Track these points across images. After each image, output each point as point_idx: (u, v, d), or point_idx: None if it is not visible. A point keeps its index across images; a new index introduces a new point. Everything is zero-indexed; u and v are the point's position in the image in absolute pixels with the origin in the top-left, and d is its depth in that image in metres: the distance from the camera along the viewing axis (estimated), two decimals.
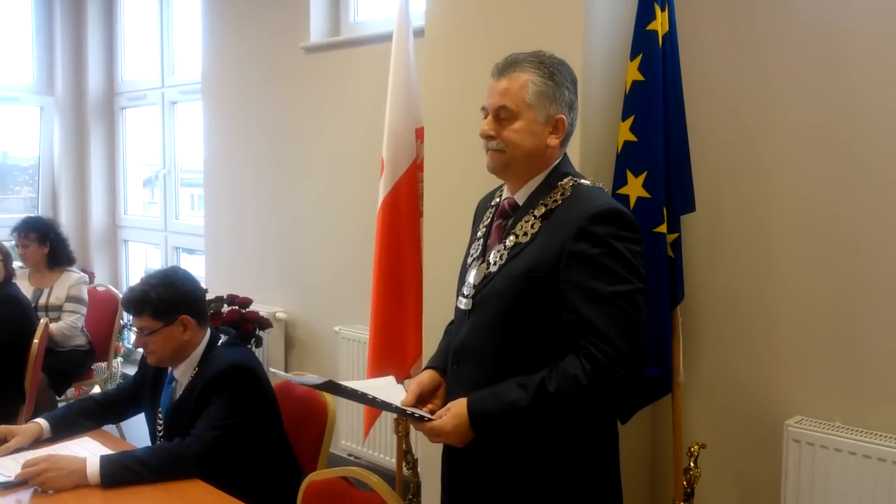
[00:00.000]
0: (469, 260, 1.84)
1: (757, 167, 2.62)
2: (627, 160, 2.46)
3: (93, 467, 2.01)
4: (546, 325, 1.66)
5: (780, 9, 2.55)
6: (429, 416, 1.69)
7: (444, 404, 1.74)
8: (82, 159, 6.09)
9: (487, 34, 2.70)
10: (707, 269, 2.73)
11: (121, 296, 4.65)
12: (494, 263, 1.73)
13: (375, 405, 1.73)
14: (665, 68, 2.44)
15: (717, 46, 2.68)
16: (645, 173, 2.42)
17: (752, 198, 2.64)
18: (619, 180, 2.48)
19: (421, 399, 1.79)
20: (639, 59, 2.44)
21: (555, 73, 1.72)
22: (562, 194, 1.71)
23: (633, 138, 2.44)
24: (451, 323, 1.98)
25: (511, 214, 1.77)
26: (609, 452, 1.80)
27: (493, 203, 1.89)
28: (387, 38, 3.18)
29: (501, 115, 1.70)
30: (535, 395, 1.59)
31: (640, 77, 2.43)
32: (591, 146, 2.55)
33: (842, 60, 2.44)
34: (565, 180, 1.73)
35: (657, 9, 2.42)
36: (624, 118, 2.47)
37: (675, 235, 2.48)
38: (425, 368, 1.89)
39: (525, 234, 1.70)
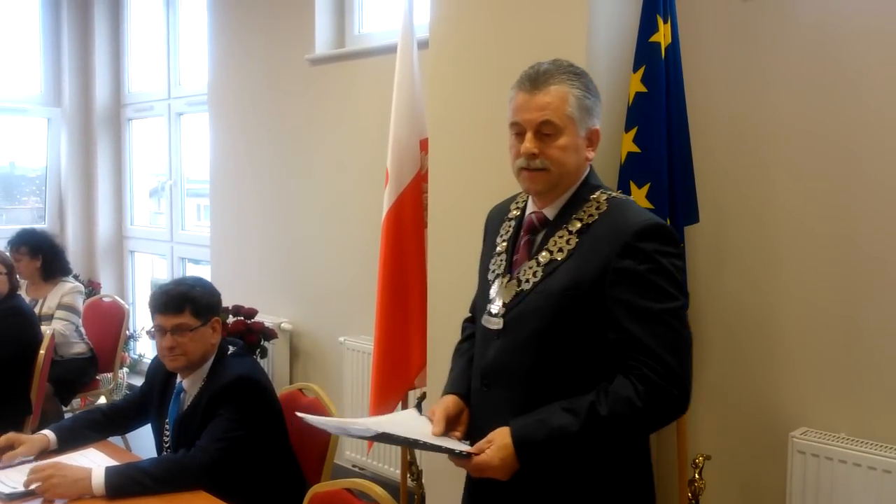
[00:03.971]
0: (490, 276, 1.75)
1: (760, 177, 2.62)
2: (631, 171, 2.47)
3: (98, 478, 2.02)
4: (582, 344, 1.60)
5: (782, 20, 2.56)
6: (473, 451, 1.57)
7: (470, 430, 1.69)
8: (89, 170, 6.12)
9: (491, 46, 2.71)
10: (711, 279, 2.73)
11: (126, 307, 4.68)
12: (527, 281, 1.65)
13: (426, 448, 1.66)
14: (668, 79, 2.45)
15: (719, 58, 2.69)
16: (648, 184, 2.43)
17: (755, 208, 2.64)
18: (623, 191, 2.48)
19: (448, 427, 1.70)
20: (641, 70, 2.45)
21: (588, 84, 1.67)
22: (597, 208, 1.65)
23: (636, 149, 2.45)
24: (463, 342, 1.91)
25: (540, 229, 1.70)
26: (643, 469, 1.71)
27: (510, 216, 1.81)
28: (391, 49, 3.20)
29: (544, 131, 1.62)
30: (586, 420, 1.52)
31: (642, 88, 2.44)
32: (595, 157, 2.55)
33: (844, 70, 2.44)
34: (597, 193, 1.68)
35: (660, 21, 2.43)
36: (627, 129, 2.48)
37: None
38: (446, 393, 1.78)
39: (560, 249, 1.63)
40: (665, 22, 2.44)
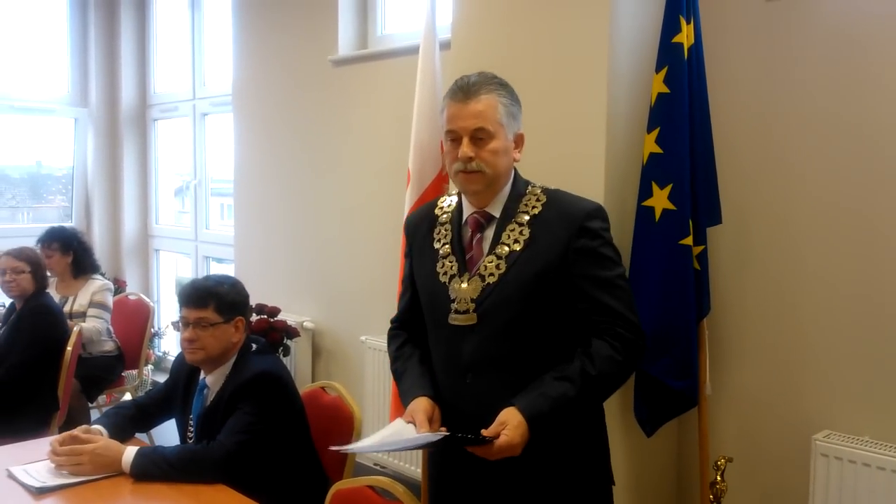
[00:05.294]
0: (444, 278, 1.83)
1: (784, 178, 2.61)
2: (653, 172, 2.47)
3: (128, 457, 2.13)
4: (555, 321, 1.77)
5: (805, 19, 2.55)
6: (491, 436, 1.64)
7: (453, 422, 1.75)
8: (115, 170, 6.20)
9: (513, 47, 2.72)
10: (734, 281, 2.72)
11: (152, 304, 4.73)
12: (491, 274, 1.77)
13: (442, 445, 1.72)
14: (691, 80, 2.45)
15: (743, 58, 2.68)
16: (670, 185, 2.43)
17: (779, 209, 2.62)
18: (645, 192, 2.48)
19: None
20: (664, 71, 2.45)
21: (512, 93, 1.83)
22: (537, 199, 1.82)
23: (658, 150, 2.45)
24: (401, 347, 1.97)
25: (487, 226, 1.83)
26: (599, 437, 1.88)
27: (441, 220, 1.90)
28: (413, 50, 3.21)
29: (479, 136, 1.76)
30: (581, 383, 1.69)
31: (665, 89, 2.44)
32: (617, 158, 2.56)
33: (869, 70, 2.42)
34: (530, 188, 1.85)
35: (683, 21, 2.43)
36: (649, 130, 2.48)
37: (702, 248, 2.48)
38: (413, 397, 1.83)
39: (516, 241, 1.78)
40: (688, 22, 2.44)
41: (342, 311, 4.32)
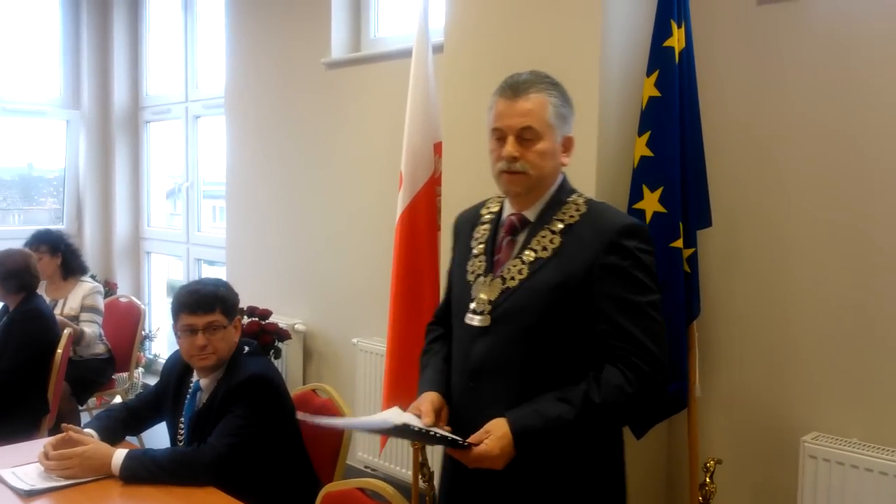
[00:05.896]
0: (470, 277, 1.80)
1: (773, 182, 2.62)
2: (643, 175, 2.48)
3: (117, 460, 2.12)
4: (569, 337, 1.68)
5: (796, 24, 2.56)
6: (472, 442, 1.61)
7: (456, 426, 1.72)
8: (107, 172, 6.18)
9: (505, 50, 2.73)
10: (723, 283, 2.73)
11: (143, 307, 4.72)
12: (512, 278, 1.72)
13: (428, 440, 1.70)
14: (681, 84, 2.46)
15: (733, 62, 2.69)
16: (661, 188, 2.44)
17: (768, 213, 2.64)
18: (636, 195, 2.49)
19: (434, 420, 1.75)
20: (655, 74, 2.46)
21: (564, 94, 1.76)
22: (576, 209, 1.74)
23: (649, 153, 2.46)
24: (431, 343, 1.95)
25: (520, 230, 1.77)
26: (615, 459, 1.80)
27: (483, 220, 1.87)
28: (406, 53, 3.22)
29: (525, 136, 1.70)
30: (581, 408, 1.61)
31: (656, 93, 2.45)
32: (608, 161, 2.57)
33: (858, 74, 2.44)
34: (573, 196, 1.77)
35: (674, 25, 2.44)
36: (640, 133, 2.49)
37: (692, 250, 2.49)
38: (426, 391, 1.81)
39: (544, 248, 1.71)
40: (679, 26, 2.45)
41: (334, 314, 4.32)
